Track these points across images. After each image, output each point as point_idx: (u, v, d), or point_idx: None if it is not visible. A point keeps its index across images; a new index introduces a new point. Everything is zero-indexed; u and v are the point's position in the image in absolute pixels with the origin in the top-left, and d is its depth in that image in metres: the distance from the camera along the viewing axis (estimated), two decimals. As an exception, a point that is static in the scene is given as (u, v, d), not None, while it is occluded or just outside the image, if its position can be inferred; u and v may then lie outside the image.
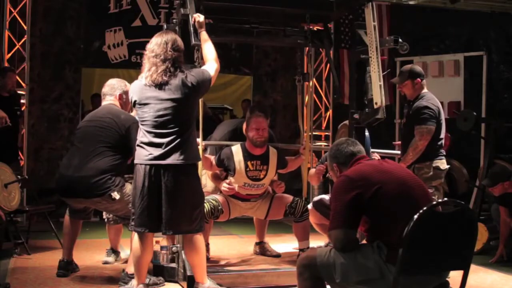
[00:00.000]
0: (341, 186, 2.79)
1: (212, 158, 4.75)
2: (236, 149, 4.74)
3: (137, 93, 3.73)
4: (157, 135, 3.64)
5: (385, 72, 4.79)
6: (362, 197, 2.70)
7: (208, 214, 4.56)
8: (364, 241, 2.88)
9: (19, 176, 5.36)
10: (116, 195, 4.08)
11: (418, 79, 4.71)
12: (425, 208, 2.51)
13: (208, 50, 3.89)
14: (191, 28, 3.98)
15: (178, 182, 3.62)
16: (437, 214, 2.56)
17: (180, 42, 3.74)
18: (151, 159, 3.63)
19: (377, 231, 2.75)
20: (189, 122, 3.73)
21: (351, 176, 2.80)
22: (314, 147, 5.94)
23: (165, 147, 3.61)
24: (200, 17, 3.96)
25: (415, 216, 2.48)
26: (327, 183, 5.35)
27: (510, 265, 5.11)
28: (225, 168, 4.75)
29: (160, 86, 3.65)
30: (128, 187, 4.15)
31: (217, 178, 4.88)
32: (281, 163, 4.86)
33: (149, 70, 3.67)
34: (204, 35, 3.94)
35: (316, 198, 4.96)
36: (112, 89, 4.39)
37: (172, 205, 3.62)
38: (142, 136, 3.70)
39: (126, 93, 4.36)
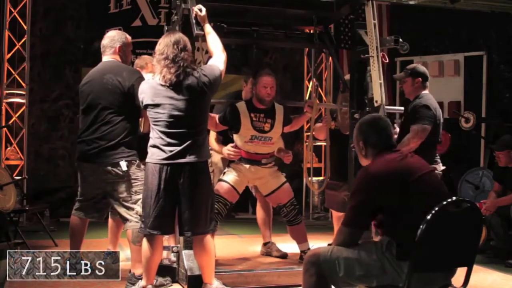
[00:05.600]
0: (362, 182, 2.76)
1: (217, 117, 4.70)
2: (240, 103, 4.72)
3: (149, 93, 3.70)
4: (171, 135, 3.64)
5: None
6: (380, 199, 2.69)
7: (218, 216, 4.58)
8: (376, 238, 2.91)
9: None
10: (124, 165, 3.97)
11: (419, 78, 4.68)
12: (437, 208, 2.55)
13: (213, 42, 3.89)
14: (193, 20, 3.97)
15: (195, 181, 3.63)
16: (448, 212, 2.61)
17: (187, 41, 3.73)
18: (166, 159, 3.62)
19: (393, 229, 2.74)
20: (202, 121, 3.75)
21: (374, 175, 2.73)
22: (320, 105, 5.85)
23: (180, 147, 3.61)
24: (201, 12, 3.94)
25: (428, 217, 2.53)
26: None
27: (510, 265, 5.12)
28: (230, 125, 4.70)
29: (173, 86, 3.64)
30: (142, 173, 4.03)
31: (219, 142, 4.85)
32: (286, 119, 4.83)
33: (161, 72, 3.65)
34: (207, 27, 3.94)
35: (326, 198, 4.98)
36: (112, 41, 4.22)
37: (191, 206, 3.63)
38: (156, 136, 3.68)
39: (126, 45, 4.25)
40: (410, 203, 2.67)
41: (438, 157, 4.68)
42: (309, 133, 6.84)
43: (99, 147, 4.01)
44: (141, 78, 3.95)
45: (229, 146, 4.70)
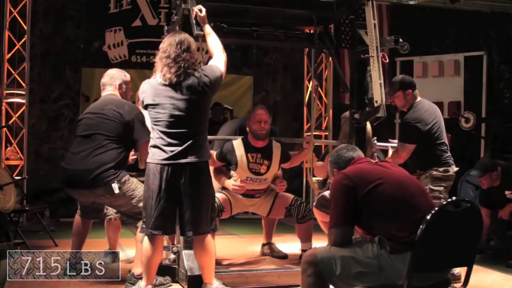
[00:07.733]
0: (338, 183, 2.88)
1: (214, 154, 4.71)
2: (238, 143, 4.71)
3: (150, 93, 3.70)
4: (172, 135, 3.63)
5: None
6: (357, 194, 2.79)
7: None
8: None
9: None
10: (116, 188, 3.98)
11: (409, 90, 4.68)
12: (436, 208, 2.63)
13: (214, 43, 3.89)
14: (193, 20, 3.97)
15: (196, 181, 3.63)
16: (448, 212, 2.65)
17: (192, 42, 3.73)
18: (167, 159, 3.61)
19: (369, 227, 2.84)
20: (203, 121, 3.74)
21: (348, 174, 2.89)
22: (318, 142, 5.89)
23: (181, 147, 3.60)
24: (201, 12, 3.94)
25: (428, 217, 2.58)
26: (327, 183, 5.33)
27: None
28: (227, 162, 4.71)
29: (174, 86, 3.63)
30: (134, 182, 4.09)
31: (220, 173, 4.81)
32: (284, 156, 4.83)
33: (161, 70, 3.66)
34: (207, 28, 3.94)
35: (317, 198, 4.95)
36: (112, 79, 4.31)
37: (193, 206, 3.62)
38: (157, 137, 3.68)
39: (126, 82, 4.34)
40: (383, 203, 2.77)
41: (449, 158, 4.67)
42: (308, 133, 6.87)
43: (89, 174, 3.99)
44: (141, 115, 4.01)
45: (232, 180, 4.70)
